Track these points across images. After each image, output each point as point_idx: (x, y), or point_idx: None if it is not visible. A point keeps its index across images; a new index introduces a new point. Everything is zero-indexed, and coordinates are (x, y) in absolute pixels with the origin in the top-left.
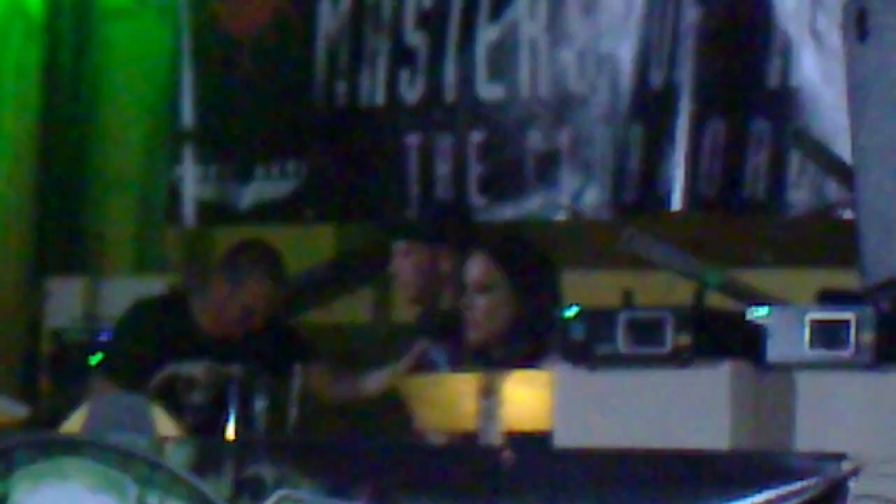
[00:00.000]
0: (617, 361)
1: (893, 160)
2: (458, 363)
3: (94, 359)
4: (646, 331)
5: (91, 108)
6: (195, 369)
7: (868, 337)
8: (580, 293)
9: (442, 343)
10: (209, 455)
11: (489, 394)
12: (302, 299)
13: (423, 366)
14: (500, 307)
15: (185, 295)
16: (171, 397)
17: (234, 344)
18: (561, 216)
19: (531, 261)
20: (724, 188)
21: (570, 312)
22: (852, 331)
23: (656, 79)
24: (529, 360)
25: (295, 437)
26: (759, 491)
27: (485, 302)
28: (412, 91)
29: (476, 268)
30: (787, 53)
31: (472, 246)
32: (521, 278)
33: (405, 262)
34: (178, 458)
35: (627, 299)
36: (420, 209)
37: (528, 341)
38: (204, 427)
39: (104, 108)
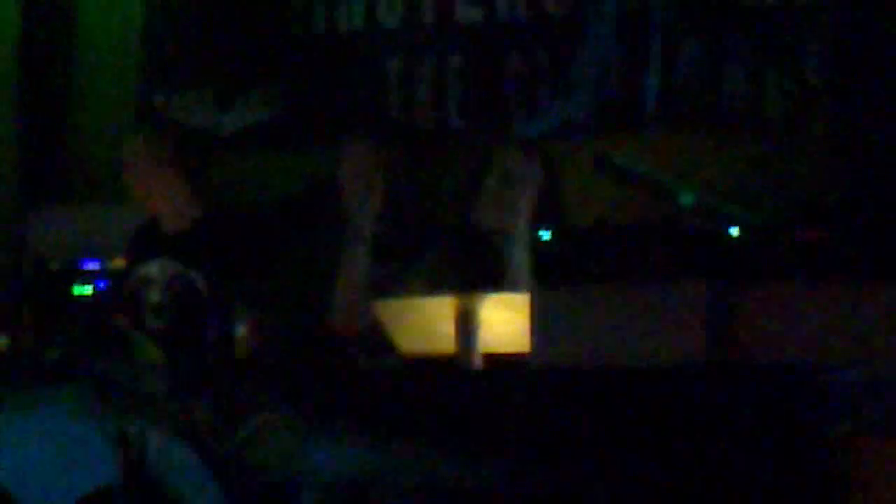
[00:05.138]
0: (592, 280)
1: None
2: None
3: (77, 288)
4: (620, 249)
5: (71, 34)
6: (151, 267)
7: None
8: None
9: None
10: (188, 380)
11: (467, 317)
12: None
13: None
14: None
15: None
16: (138, 301)
17: (192, 239)
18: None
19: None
20: (700, 105)
21: (546, 234)
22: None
23: None
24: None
25: (275, 360)
26: (738, 404)
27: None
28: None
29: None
30: None
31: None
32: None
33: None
34: (157, 383)
35: (601, 219)
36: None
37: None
38: (168, 329)
39: (83, 34)
